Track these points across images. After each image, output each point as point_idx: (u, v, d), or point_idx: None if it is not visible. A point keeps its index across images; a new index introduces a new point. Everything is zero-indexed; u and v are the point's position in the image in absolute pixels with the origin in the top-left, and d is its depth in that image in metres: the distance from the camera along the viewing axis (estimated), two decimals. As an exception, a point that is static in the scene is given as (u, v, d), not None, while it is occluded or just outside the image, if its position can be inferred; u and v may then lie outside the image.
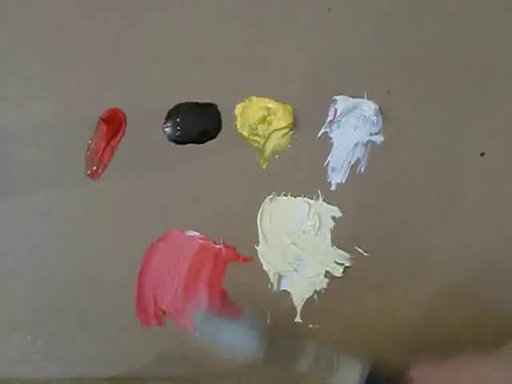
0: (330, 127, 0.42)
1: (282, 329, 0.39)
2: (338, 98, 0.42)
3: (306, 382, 0.40)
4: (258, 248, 0.41)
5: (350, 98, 0.42)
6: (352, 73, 0.42)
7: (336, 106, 0.42)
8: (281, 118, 0.42)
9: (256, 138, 0.42)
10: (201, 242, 0.41)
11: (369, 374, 0.29)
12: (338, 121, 0.42)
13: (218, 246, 0.41)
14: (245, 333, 0.34)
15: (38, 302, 0.41)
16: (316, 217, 0.41)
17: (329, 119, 0.42)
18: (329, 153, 0.42)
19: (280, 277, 0.41)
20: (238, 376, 0.40)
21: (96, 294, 0.41)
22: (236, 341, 0.34)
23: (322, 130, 0.42)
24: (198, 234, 0.41)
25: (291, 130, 0.42)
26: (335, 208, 0.41)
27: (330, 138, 0.42)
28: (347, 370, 0.30)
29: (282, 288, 0.41)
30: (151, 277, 0.41)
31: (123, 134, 0.43)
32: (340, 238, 0.41)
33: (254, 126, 0.42)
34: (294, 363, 0.33)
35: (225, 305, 0.40)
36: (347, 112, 0.42)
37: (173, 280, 0.41)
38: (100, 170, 0.42)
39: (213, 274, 0.40)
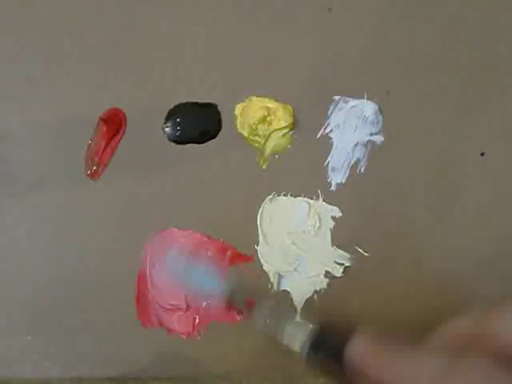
0: (329, 127, 0.42)
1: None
2: (337, 98, 0.42)
3: (306, 382, 0.40)
4: (257, 248, 0.41)
5: (350, 98, 0.42)
6: (352, 73, 0.42)
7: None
8: (281, 117, 0.42)
9: (256, 138, 0.42)
10: (202, 240, 0.41)
11: (316, 335, 0.29)
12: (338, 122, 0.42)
13: (219, 244, 0.41)
14: (210, 278, 0.40)
15: (37, 302, 0.41)
16: (316, 217, 0.41)
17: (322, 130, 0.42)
18: (329, 153, 0.42)
19: (280, 277, 0.41)
20: (238, 376, 0.40)
21: (96, 294, 0.41)
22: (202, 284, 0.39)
23: (322, 130, 0.42)
24: (198, 233, 0.41)
25: (291, 129, 0.42)
26: (335, 208, 0.41)
27: (330, 138, 0.42)
28: (296, 330, 0.30)
29: (281, 288, 0.41)
30: (151, 276, 0.41)
31: (123, 134, 0.43)
32: (340, 238, 0.41)
33: (254, 126, 0.42)
34: (252, 319, 0.35)
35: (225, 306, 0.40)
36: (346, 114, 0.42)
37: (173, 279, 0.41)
38: (100, 170, 0.42)
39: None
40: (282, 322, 0.31)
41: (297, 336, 0.30)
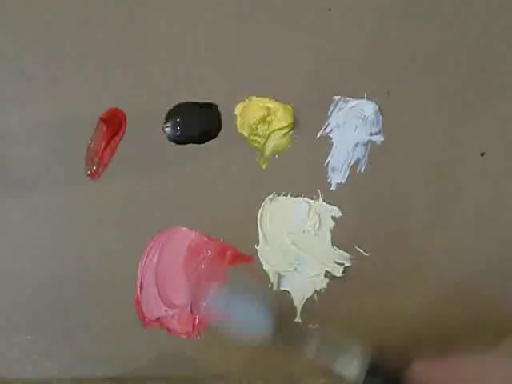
0: (329, 127, 0.42)
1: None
2: (337, 98, 0.42)
3: (306, 382, 0.40)
4: (257, 248, 0.41)
5: (350, 98, 0.42)
6: (352, 73, 0.42)
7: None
8: (281, 117, 0.42)
9: (256, 138, 0.42)
10: (202, 240, 0.41)
11: (371, 360, 0.29)
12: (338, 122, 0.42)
13: (219, 244, 0.41)
14: (256, 307, 0.34)
15: (38, 302, 0.41)
16: (316, 217, 0.41)
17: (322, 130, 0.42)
18: (329, 153, 0.42)
19: (280, 277, 0.41)
20: (238, 376, 0.40)
21: (96, 294, 0.41)
22: (247, 315, 0.34)
23: (322, 130, 0.42)
24: (198, 232, 0.41)
25: (291, 129, 0.42)
26: (335, 208, 0.41)
27: (330, 138, 0.42)
28: (349, 357, 0.30)
29: (282, 288, 0.41)
30: (151, 276, 0.41)
31: (123, 134, 0.43)
32: (340, 238, 0.41)
33: (254, 126, 0.42)
34: (300, 346, 0.33)
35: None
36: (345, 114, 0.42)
37: (173, 279, 0.41)
38: (100, 170, 0.42)
39: (214, 273, 0.40)
40: (333, 350, 0.31)
41: (350, 365, 0.29)
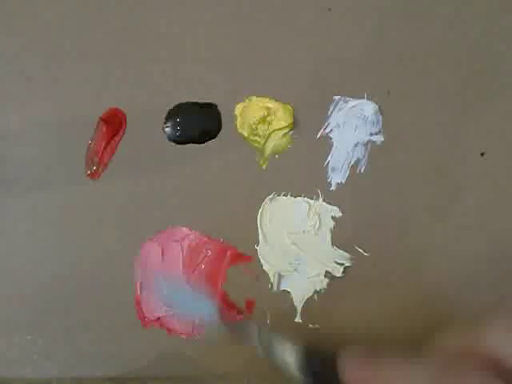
0: (329, 127, 0.42)
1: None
2: (337, 98, 0.42)
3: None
4: (257, 248, 0.41)
5: (350, 98, 0.42)
6: (352, 73, 0.42)
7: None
8: (281, 117, 0.42)
9: (256, 138, 0.42)
10: (202, 240, 0.41)
11: (305, 355, 0.29)
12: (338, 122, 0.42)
13: (219, 244, 0.41)
14: (198, 301, 0.37)
15: (38, 302, 0.41)
16: (316, 217, 0.41)
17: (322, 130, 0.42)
18: (329, 153, 0.42)
19: (280, 277, 0.41)
20: (238, 376, 0.40)
21: (96, 294, 0.41)
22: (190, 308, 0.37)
23: (322, 130, 0.42)
24: (198, 232, 0.41)
25: (291, 129, 0.42)
26: (335, 208, 0.41)
27: (330, 138, 0.42)
28: (286, 345, 0.30)
29: (281, 288, 0.41)
30: (150, 276, 0.41)
31: (123, 134, 0.43)
32: (340, 238, 0.41)
33: (254, 126, 0.42)
34: (242, 338, 0.34)
35: (226, 305, 0.40)
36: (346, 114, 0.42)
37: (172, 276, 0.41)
38: (100, 170, 0.42)
39: (213, 273, 0.40)
40: (271, 340, 0.31)
41: (287, 351, 0.30)
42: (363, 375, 0.25)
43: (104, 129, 0.42)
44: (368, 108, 0.42)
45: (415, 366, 0.23)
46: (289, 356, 0.30)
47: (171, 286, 0.40)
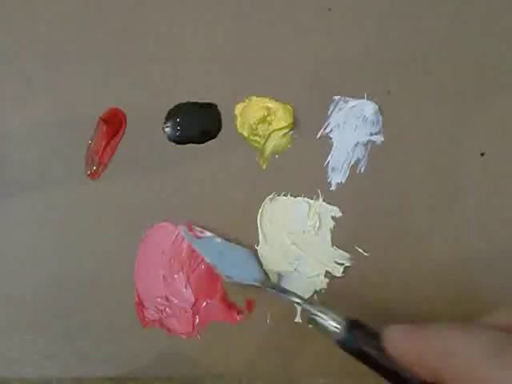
0: (329, 127, 0.42)
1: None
2: (337, 98, 0.42)
3: (306, 382, 0.40)
4: (257, 248, 0.41)
5: (350, 98, 0.42)
6: (352, 73, 0.42)
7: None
8: (281, 117, 0.42)
9: (256, 138, 0.42)
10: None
11: (352, 320, 0.30)
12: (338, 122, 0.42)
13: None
14: (247, 259, 0.39)
15: (38, 302, 0.41)
16: (316, 217, 0.41)
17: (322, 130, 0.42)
18: (329, 153, 0.42)
19: (280, 277, 0.41)
20: (238, 376, 0.40)
21: (96, 294, 0.41)
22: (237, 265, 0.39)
23: (322, 130, 0.42)
24: (198, 228, 0.41)
25: (291, 129, 0.42)
26: (335, 208, 0.41)
27: (330, 138, 0.42)
28: (331, 311, 0.31)
29: (282, 288, 0.41)
30: (147, 275, 0.41)
31: (123, 134, 0.43)
32: (340, 238, 0.41)
33: (254, 126, 0.42)
34: (288, 294, 0.36)
35: (225, 305, 0.40)
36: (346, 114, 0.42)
37: (172, 276, 0.41)
38: (100, 170, 0.42)
39: (213, 273, 0.40)
40: (315, 306, 0.32)
41: (332, 316, 0.31)
42: (415, 345, 0.24)
43: (104, 129, 0.42)
44: (368, 108, 0.42)
45: (476, 332, 0.22)
46: (332, 323, 0.30)
47: (215, 249, 0.40)
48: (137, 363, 0.40)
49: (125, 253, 0.41)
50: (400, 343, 0.25)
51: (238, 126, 0.42)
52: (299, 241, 0.41)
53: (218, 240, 0.40)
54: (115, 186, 0.42)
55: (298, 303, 0.35)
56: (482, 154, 0.42)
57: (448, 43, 0.43)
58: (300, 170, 0.42)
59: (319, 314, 0.31)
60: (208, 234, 0.40)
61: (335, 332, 0.30)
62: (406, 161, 0.42)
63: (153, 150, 0.42)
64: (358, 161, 0.42)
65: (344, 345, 0.30)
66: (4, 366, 0.41)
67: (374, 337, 0.28)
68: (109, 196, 0.42)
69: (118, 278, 0.41)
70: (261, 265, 0.40)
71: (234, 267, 0.39)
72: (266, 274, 0.40)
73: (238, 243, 0.40)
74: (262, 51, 0.43)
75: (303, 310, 0.34)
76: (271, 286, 0.38)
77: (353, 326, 0.30)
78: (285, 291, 0.36)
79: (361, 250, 0.41)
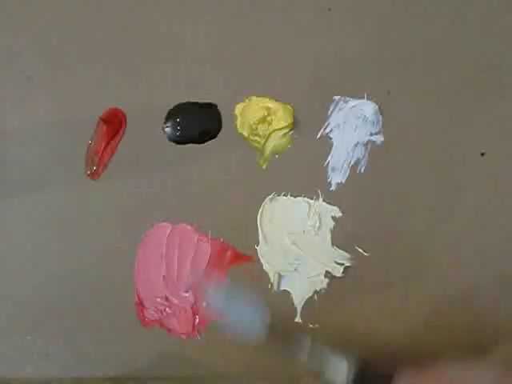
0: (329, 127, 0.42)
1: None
2: (337, 98, 0.42)
3: (306, 382, 0.40)
4: (257, 248, 0.41)
5: (350, 98, 0.42)
6: (352, 73, 0.42)
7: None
8: (281, 117, 0.42)
9: (256, 138, 0.42)
10: (202, 240, 0.41)
11: (358, 371, 0.30)
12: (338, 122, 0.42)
13: (219, 244, 0.41)
14: (253, 307, 0.36)
15: (38, 302, 0.41)
16: (316, 217, 0.41)
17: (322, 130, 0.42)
18: (329, 153, 0.42)
19: (280, 277, 0.41)
20: (238, 376, 0.40)
21: (96, 294, 0.41)
22: (243, 315, 0.36)
23: (322, 130, 0.42)
24: (197, 231, 0.41)
25: (291, 129, 0.42)
26: (335, 208, 0.41)
27: (330, 138, 0.42)
28: (338, 362, 0.30)
29: (281, 288, 0.41)
30: (147, 275, 0.41)
31: (123, 134, 0.43)
32: (340, 238, 0.41)
33: (254, 126, 0.42)
34: (293, 350, 0.34)
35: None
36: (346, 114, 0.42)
37: (172, 276, 0.41)
38: (100, 170, 0.42)
39: (214, 273, 0.40)
40: (323, 356, 0.32)
41: (340, 369, 0.30)
42: (422, 379, 0.26)
43: (104, 129, 0.42)
44: (368, 108, 0.42)
45: (478, 367, 0.24)
46: (341, 369, 0.30)
47: (222, 294, 0.38)
48: (137, 363, 0.40)
49: (125, 253, 0.41)
50: (414, 378, 0.27)
51: (238, 126, 0.42)
52: (299, 241, 0.41)
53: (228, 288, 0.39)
54: (115, 186, 0.42)
55: (304, 359, 0.34)
56: (482, 154, 0.42)
57: (448, 43, 0.43)
58: (300, 170, 0.42)
59: (328, 368, 0.31)
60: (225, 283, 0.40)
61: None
62: (406, 161, 0.42)
63: (153, 150, 0.42)
64: (358, 161, 0.42)
65: None
66: (4, 366, 0.41)
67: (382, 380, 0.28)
68: (109, 196, 0.42)
69: (118, 278, 0.41)
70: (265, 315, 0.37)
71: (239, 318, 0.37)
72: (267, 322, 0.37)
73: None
74: (262, 51, 0.43)
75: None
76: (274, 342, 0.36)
77: (363, 374, 0.30)
78: (289, 350, 0.34)
79: (361, 250, 0.41)
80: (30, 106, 0.43)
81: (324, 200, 0.41)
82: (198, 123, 0.42)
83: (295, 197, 0.42)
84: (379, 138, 0.42)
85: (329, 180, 0.42)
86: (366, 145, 0.42)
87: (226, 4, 0.43)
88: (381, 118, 0.42)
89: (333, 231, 0.41)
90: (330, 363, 0.31)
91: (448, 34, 0.43)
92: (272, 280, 0.41)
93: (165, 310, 0.41)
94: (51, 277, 0.41)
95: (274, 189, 0.42)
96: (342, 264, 0.40)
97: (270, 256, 0.41)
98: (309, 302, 0.40)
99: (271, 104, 0.42)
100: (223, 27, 0.43)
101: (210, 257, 0.41)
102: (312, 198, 0.41)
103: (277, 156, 0.42)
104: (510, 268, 0.40)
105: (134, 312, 0.41)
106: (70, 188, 0.42)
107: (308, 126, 0.42)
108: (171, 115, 0.42)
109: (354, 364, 0.30)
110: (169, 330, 0.40)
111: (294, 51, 0.43)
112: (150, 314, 0.41)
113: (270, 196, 0.41)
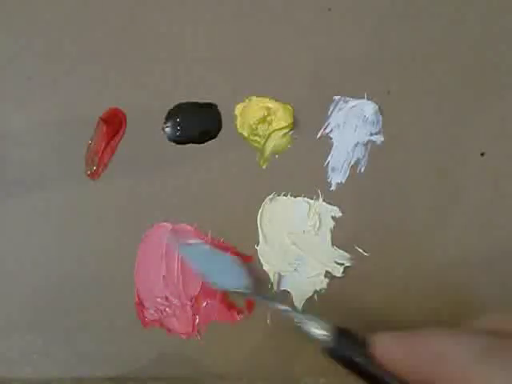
0: (329, 127, 0.42)
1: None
2: (337, 98, 0.42)
3: (306, 382, 0.40)
4: (257, 248, 0.41)
5: (350, 98, 0.42)
6: (352, 73, 0.42)
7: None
8: (281, 117, 0.42)
9: (256, 138, 0.42)
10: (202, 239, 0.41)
11: (339, 328, 0.30)
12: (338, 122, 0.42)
13: (219, 244, 0.41)
14: (233, 267, 0.39)
15: (38, 302, 0.41)
16: (316, 217, 0.41)
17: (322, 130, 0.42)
18: (329, 153, 0.42)
19: (280, 277, 0.41)
20: (238, 376, 0.40)
21: (96, 294, 0.41)
22: (225, 272, 0.38)
23: (322, 130, 0.42)
24: (198, 231, 0.41)
25: (291, 129, 0.42)
26: (335, 208, 0.41)
27: (330, 138, 0.42)
28: (319, 320, 0.31)
29: (281, 288, 0.41)
30: (147, 275, 0.41)
31: (123, 134, 0.43)
32: (340, 238, 0.41)
33: (254, 126, 0.42)
34: (274, 302, 0.35)
35: (225, 305, 0.40)
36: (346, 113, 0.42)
37: (171, 277, 0.41)
38: (100, 170, 0.42)
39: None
40: (303, 314, 0.32)
41: (321, 325, 0.30)
42: (403, 351, 0.24)
43: (104, 129, 0.42)
44: (368, 108, 0.42)
45: (464, 336, 0.23)
46: (320, 331, 0.30)
47: (203, 255, 0.39)
48: (137, 363, 0.40)
49: (125, 253, 0.41)
50: (388, 350, 0.25)
51: (238, 126, 0.42)
52: (299, 241, 0.41)
53: (206, 247, 0.40)
54: (115, 186, 0.42)
55: (284, 311, 0.34)
56: (482, 154, 0.42)
57: (448, 43, 0.43)
58: (300, 170, 0.42)
59: (306, 321, 0.31)
60: (195, 240, 0.40)
61: (322, 340, 0.30)
62: (405, 161, 0.42)
63: (153, 150, 0.42)
64: (358, 161, 0.42)
65: (331, 353, 0.29)
66: (4, 366, 0.41)
67: (362, 345, 0.27)
68: (109, 196, 0.42)
69: (118, 278, 0.41)
70: (247, 272, 0.39)
71: (221, 274, 0.38)
72: (252, 281, 0.38)
73: (224, 251, 0.40)
74: (262, 51, 0.43)
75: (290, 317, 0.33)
76: (256, 294, 0.37)
77: (340, 333, 0.29)
78: (270, 298, 0.36)
79: (361, 250, 0.41)
80: (30, 106, 0.43)
81: (324, 200, 0.41)
82: (198, 123, 0.42)
83: (295, 197, 0.42)
84: (379, 138, 0.42)
85: (329, 180, 0.42)
86: (366, 145, 0.42)
87: (226, 4, 0.43)
88: (381, 117, 0.42)
89: (333, 231, 0.41)
90: (311, 318, 0.31)
91: (448, 33, 0.43)
92: (272, 280, 0.40)
93: (165, 309, 0.41)
94: (51, 277, 0.41)
95: (274, 189, 0.42)
96: (342, 264, 0.40)
97: (270, 256, 0.41)
98: (309, 302, 0.40)
99: (271, 104, 0.42)
100: (223, 27, 0.43)
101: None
102: (312, 198, 0.41)
103: (277, 156, 0.42)
104: (511, 268, 0.40)
105: (134, 312, 0.41)
106: (70, 188, 0.42)
107: (308, 126, 0.42)
108: (171, 115, 0.42)
109: (333, 327, 0.30)
110: (169, 330, 0.40)
111: (293, 51, 0.43)
112: (150, 314, 0.41)
113: (270, 196, 0.41)
